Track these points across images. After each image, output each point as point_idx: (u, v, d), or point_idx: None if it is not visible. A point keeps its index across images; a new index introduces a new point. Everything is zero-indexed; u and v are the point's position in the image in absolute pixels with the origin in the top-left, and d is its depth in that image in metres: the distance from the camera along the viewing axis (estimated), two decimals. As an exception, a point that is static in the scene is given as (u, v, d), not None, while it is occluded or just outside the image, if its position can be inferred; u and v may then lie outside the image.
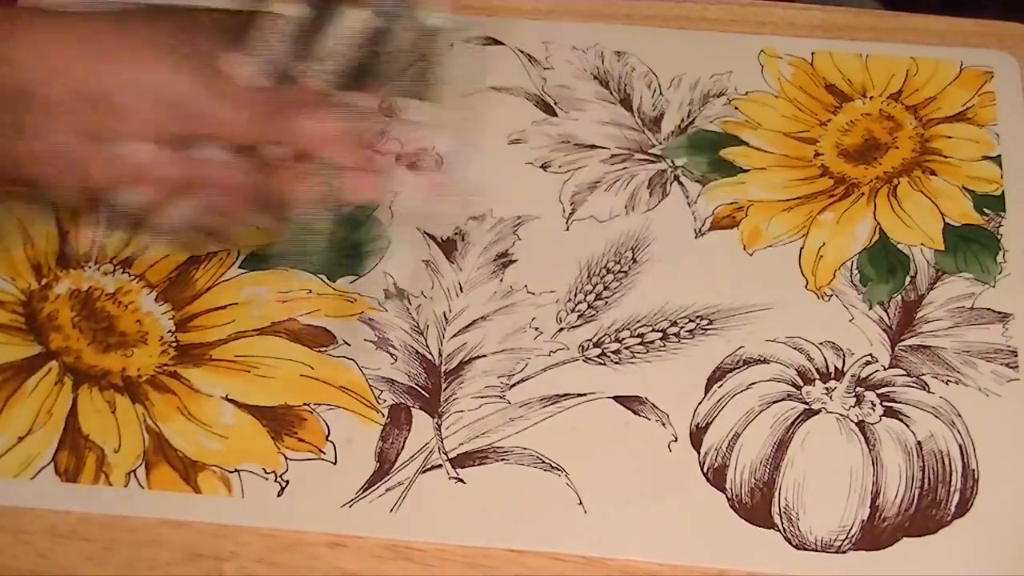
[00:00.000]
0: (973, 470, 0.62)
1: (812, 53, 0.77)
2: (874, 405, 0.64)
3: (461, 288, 0.68)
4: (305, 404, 0.64)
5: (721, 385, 0.64)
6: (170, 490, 0.62)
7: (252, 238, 0.67)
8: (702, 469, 0.62)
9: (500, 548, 0.60)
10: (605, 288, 0.68)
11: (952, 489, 0.61)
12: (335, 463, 0.62)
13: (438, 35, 0.60)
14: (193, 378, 0.65)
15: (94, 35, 0.57)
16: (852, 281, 0.68)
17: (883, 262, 0.68)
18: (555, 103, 0.75)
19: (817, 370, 0.65)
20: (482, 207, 0.70)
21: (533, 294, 0.68)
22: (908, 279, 0.68)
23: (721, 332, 0.66)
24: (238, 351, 0.66)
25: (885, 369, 0.65)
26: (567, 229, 0.70)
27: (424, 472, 0.62)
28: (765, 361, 0.65)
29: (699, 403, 0.64)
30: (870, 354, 0.65)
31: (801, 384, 0.64)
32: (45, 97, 0.56)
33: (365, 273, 0.68)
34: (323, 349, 0.66)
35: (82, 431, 0.63)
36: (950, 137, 0.73)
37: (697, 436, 0.63)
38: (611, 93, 0.75)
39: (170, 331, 0.66)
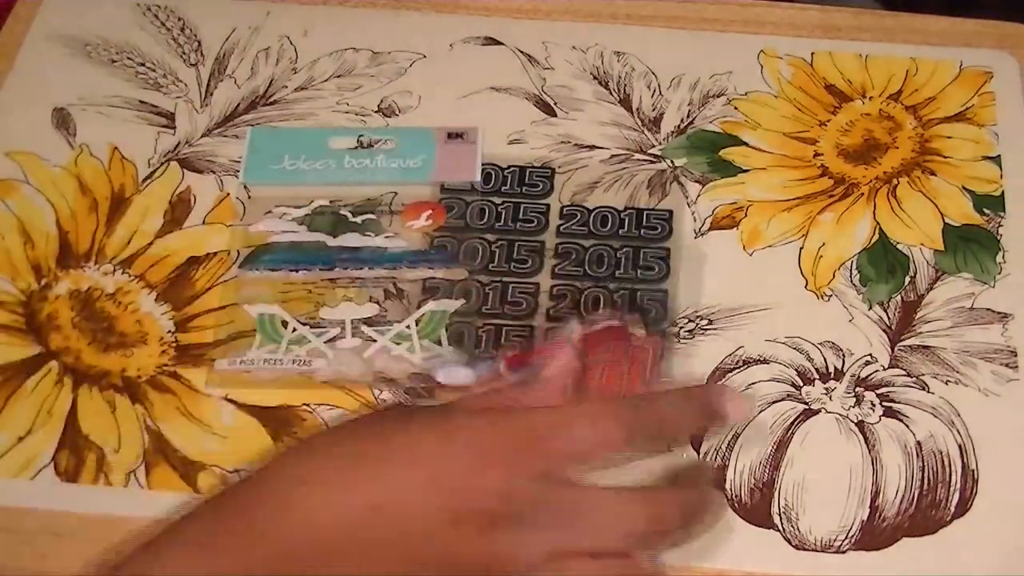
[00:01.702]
0: (972, 470, 0.62)
1: (812, 53, 0.77)
2: (874, 405, 0.64)
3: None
4: (305, 404, 0.64)
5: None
6: (170, 490, 0.62)
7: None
8: (702, 469, 0.62)
9: (500, 548, 0.60)
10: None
11: (952, 489, 0.61)
12: (335, 463, 0.62)
13: None
14: (193, 378, 0.65)
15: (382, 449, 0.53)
16: (852, 281, 0.68)
17: (883, 262, 0.68)
18: (555, 103, 0.75)
19: (817, 370, 0.65)
20: None
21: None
22: (908, 279, 0.68)
23: (721, 332, 0.66)
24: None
25: (885, 369, 0.65)
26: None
27: (424, 472, 0.62)
28: (765, 361, 0.65)
29: (699, 403, 0.64)
30: (870, 354, 0.65)
31: (801, 384, 0.64)
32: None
33: (365, 273, 0.69)
34: (323, 349, 0.66)
35: (82, 431, 0.63)
36: (950, 137, 0.73)
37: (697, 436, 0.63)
38: (611, 93, 0.75)
39: (170, 331, 0.66)
